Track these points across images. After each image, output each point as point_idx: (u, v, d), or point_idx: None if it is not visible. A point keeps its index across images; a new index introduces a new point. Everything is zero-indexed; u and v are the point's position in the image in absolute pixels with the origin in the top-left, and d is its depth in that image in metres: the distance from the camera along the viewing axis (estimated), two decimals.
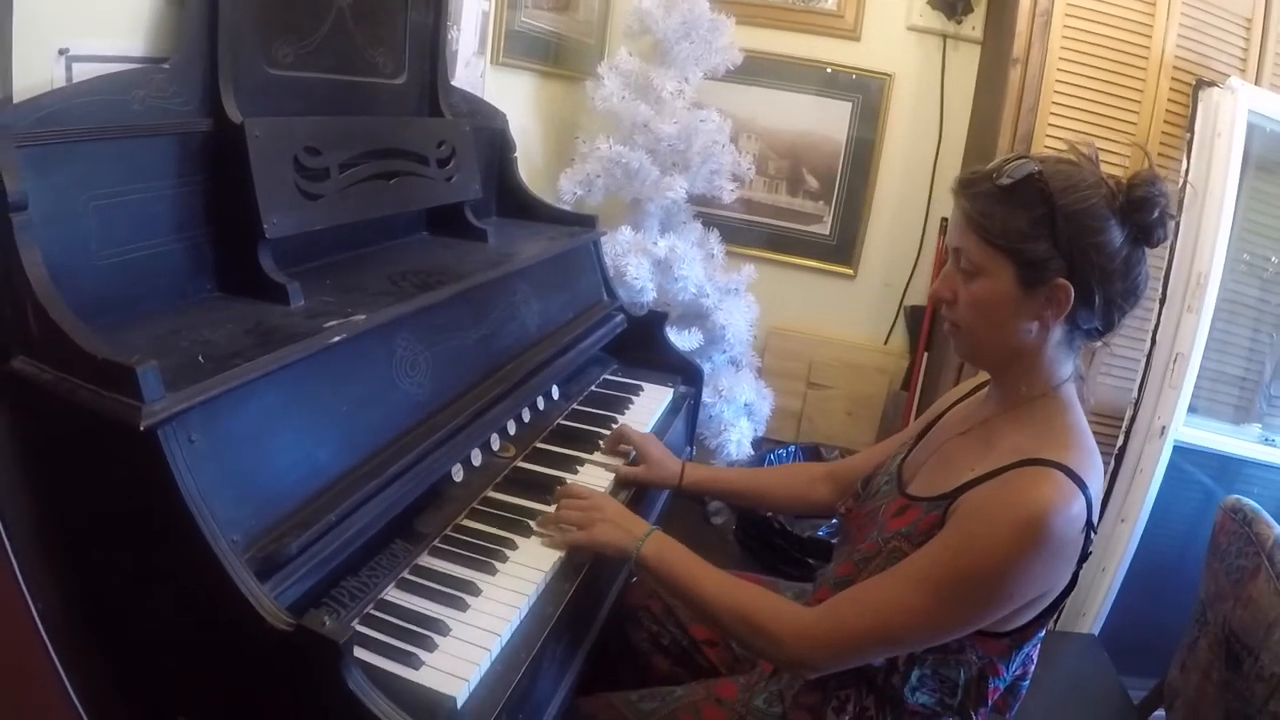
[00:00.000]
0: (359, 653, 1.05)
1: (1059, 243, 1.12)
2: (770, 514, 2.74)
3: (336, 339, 1.17)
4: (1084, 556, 1.13)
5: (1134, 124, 2.48)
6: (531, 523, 1.39)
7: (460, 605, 1.18)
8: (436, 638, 1.11)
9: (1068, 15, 2.46)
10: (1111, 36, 2.48)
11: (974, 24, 3.05)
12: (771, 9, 3.16)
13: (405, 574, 1.23)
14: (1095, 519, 1.12)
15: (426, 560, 1.27)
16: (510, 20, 2.43)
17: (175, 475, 0.94)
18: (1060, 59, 2.49)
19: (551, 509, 1.42)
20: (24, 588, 1.01)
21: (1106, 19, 2.47)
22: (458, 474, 1.41)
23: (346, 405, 1.21)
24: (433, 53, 1.82)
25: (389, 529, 1.25)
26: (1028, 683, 1.29)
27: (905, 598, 1.13)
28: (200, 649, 1.03)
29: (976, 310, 1.20)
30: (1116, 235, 1.12)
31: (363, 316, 1.24)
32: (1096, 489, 1.13)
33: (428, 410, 1.36)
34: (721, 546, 3.01)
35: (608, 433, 1.75)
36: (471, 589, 1.21)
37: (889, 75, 3.16)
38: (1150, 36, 2.46)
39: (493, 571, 1.26)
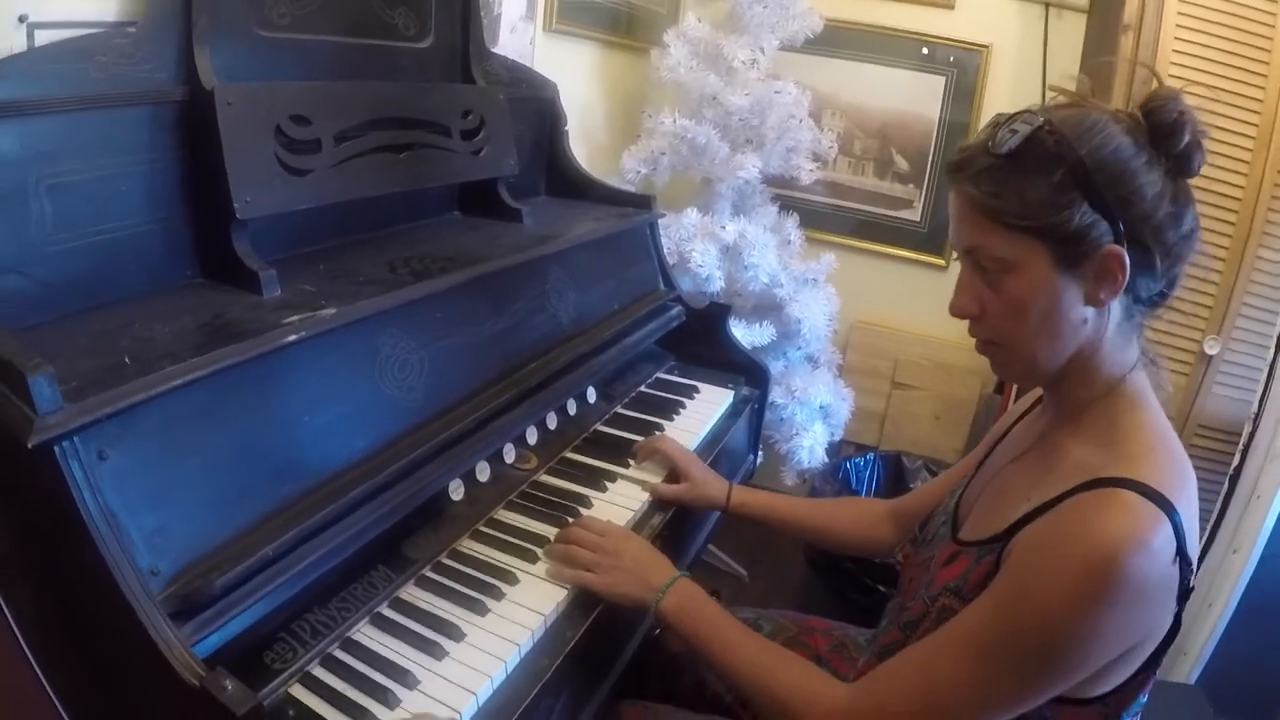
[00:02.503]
0: (308, 699, 0.92)
1: (1095, 202, 0.90)
2: None
3: (291, 338, 1.00)
4: (1185, 593, 0.89)
5: (1260, 100, 2.15)
6: (539, 551, 1.20)
7: (436, 652, 1.00)
8: (401, 691, 0.94)
9: None
10: (1235, 1, 2.14)
11: None
12: None
13: (382, 608, 1.06)
14: (1189, 547, 0.87)
15: (410, 592, 1.10)
16: None
17: (74, 497, 0.80)
18: (1178, 25, 2.16)
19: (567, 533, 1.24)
20: None
21: None
22: (456, 491, 1.23)
23: (311, 414, 1.05)
24: (465, 13, 1.64)
25: (369, 553, 1.08)
26: None
27: (952, 668, 0.91)
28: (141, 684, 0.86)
29: (1015, 316, 0.96)
30: (1157, 173, 0.91)
31: (331, 311, 1.07)
32: (1188, 507, 0.89)
33: (417, 418, 1.18)
34: (791, 559, 2.80)
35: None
36: (455, 632, 1.03)
37: (986, 47, 2.85)
38: (1278, 2, 2.12)
39: (483, 611, 1.08)
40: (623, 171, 2.46)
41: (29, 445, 0.77)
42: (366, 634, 1.02)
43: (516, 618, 1.08)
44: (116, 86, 1.07)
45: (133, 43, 1.09)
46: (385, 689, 0.93)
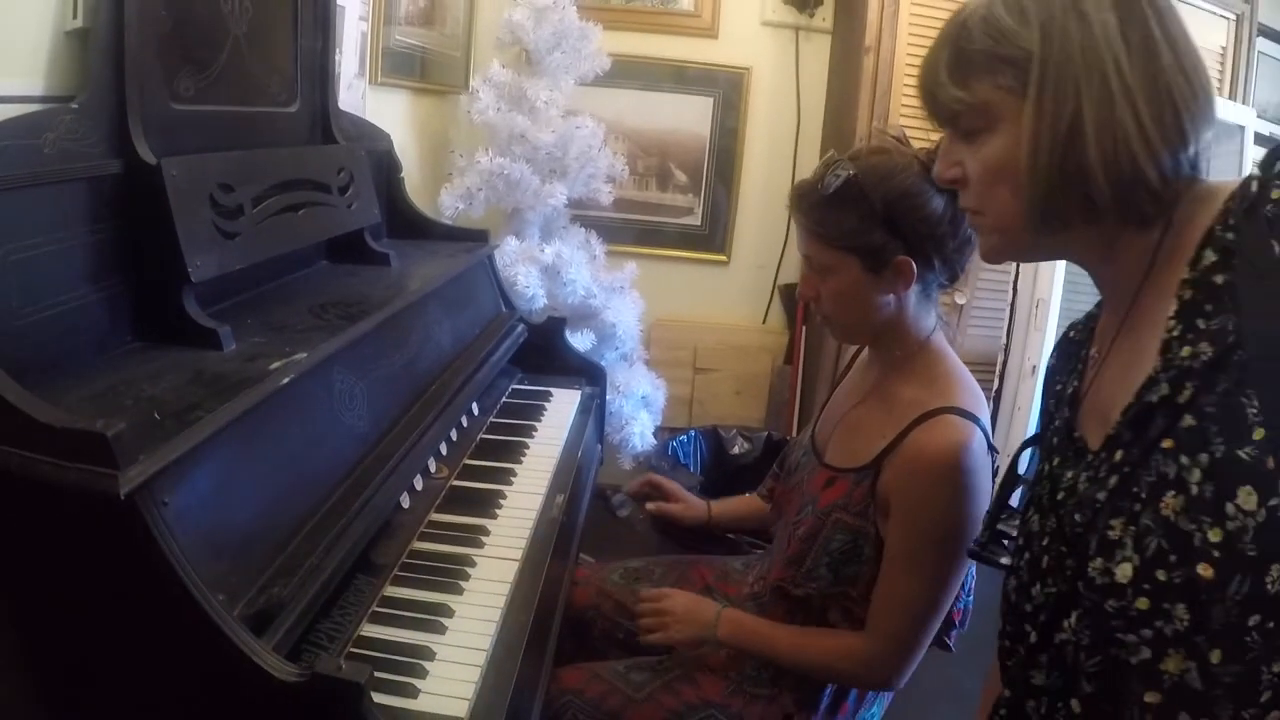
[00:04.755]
0: None
1: (889, 227, 1.28)
2: None
3: (286, 380, 1.16)
4: (995, 471, 1.30)
5: None
6: (483, 538, 1.42)
7: (438, 629, 1.20)
8: (425, 664, 1.13)
9: (914, 4, 2.64)
10: None
11: (824, 16, 3.19)
12: (633, 12, 3.24)
13: (375, 607, 1.24)
14: (992, 440, 1.29)
15: (392, 590, 1.28)
16: (386, 37, 2.41)
17: (160, 542, 0.90)
18: (909, 44, 2.65)
19: (496, 522, 1.48)
20: None
21: (951, 5, 2.63)
22: (405, 501, 1.43)
23: (298, 447, 1.21)
24: (323, 78, 1.79)
25: (350, 566, 1.25)
26: (972, 598, 1.44)
27: (914, 581, 1.27)
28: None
29: (837, 302, 1.37)
30: (937, 203, 1.28)
31: (304, 355, 1.23)
32: (985, 416, 1.32)
33: (371, 441, 1.37)
34: (631, 536, 3.06)
35: (530, 441, 1.82)
36: (444, 611, 1.23)
37: (747, 69, 3.28)
38: None
39: (459, 591, 1.29)
40: (440, 208, 2.66)
41: (121, 496, 0.87)
42: (373, 631, 1.19)
43: (489, 589, 1.30)
44: (65, 161, 1.13)
45: (76, 118, 1.15)
46: (412, 664, 1.12)
